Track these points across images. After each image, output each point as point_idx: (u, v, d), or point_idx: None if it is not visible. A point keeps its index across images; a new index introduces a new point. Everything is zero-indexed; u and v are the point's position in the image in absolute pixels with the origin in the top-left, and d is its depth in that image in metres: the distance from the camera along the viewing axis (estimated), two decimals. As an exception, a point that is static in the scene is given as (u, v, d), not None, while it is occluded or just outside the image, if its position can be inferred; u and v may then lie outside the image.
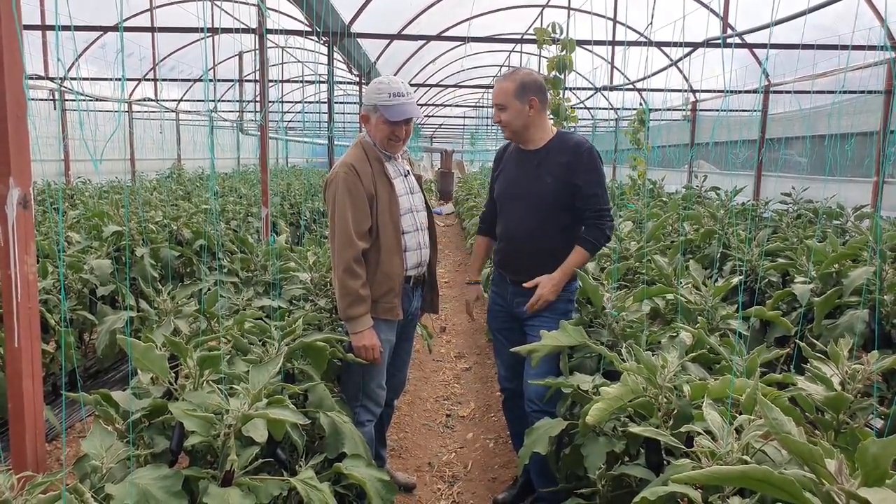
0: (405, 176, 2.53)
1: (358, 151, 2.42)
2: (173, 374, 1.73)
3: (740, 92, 9.12)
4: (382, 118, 2.36)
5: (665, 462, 1.62)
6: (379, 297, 2.37)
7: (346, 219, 2.29)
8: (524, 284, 2.45)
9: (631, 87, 9.98)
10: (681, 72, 9.91)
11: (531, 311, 2.44)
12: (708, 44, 5.72)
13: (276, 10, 7.50)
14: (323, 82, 7.41)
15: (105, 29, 7.28)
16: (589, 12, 5.83)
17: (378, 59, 9.10)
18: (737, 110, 9.83)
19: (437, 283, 2.72)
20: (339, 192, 2.31)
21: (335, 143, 6.37)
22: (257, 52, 4.93)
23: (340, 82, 10.41)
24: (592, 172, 2.43)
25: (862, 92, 7.14)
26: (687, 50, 7.74)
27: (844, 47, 5.69)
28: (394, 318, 2.43)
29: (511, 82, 2.43)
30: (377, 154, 2.43)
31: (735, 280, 2.60)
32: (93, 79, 10.17)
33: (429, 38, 8.19)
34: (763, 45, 7.21)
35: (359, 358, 2.33)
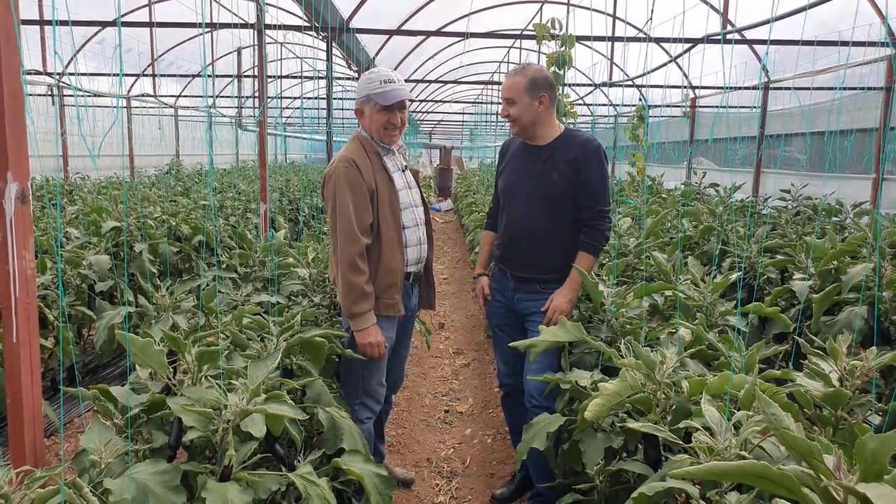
0: (402, 171, 2.52)
1: (356, 146, 2.40)
2: (172, 370, 1.73)
3: (740, 88, 9.11)
4: (377, 107, 2.34)
5: (663, 458, 1.63)
6: (381, 293, 2.35)
7: (349, 214, 2.26)
8: (542, 309, 2.45)
9: (630, 83, 9.97)
10: (680, 68, 9.90)
11: (549, 321, 2.43)
12: (707, 40, 5.72)
13: (274, 6, 7.47)
14: (322, 78, 7.39)
15: (103, 24, 7.26)
16: (588, 8, 5.82)
17: (377, 54, 9.09)
18: (736, 107, 9.83)
19: (434, 280, 2.71)
20: (339, 186, 2.28)
21: (334, 139, 6.37)
22: (256, 47, 4.92)
23: (339, 78, 10.39)
24: (598, 170, 2.43)
25: (862, 88, 7.14)
26: (686, 46, 7.73)
27: (844, 44, 5.69)
28: (395, 315, 2.41)
29: (522, 77, 2.42)
30: (375, 148, 2.41)
31: (734, 276, 2.60)
32: (91, 74, 10.15)
33: (428, 34, 8.18)
34: (763, 42, 7.20)
35: (363, 355, 2.32)
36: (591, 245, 2.44)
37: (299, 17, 8.14)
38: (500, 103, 2.54)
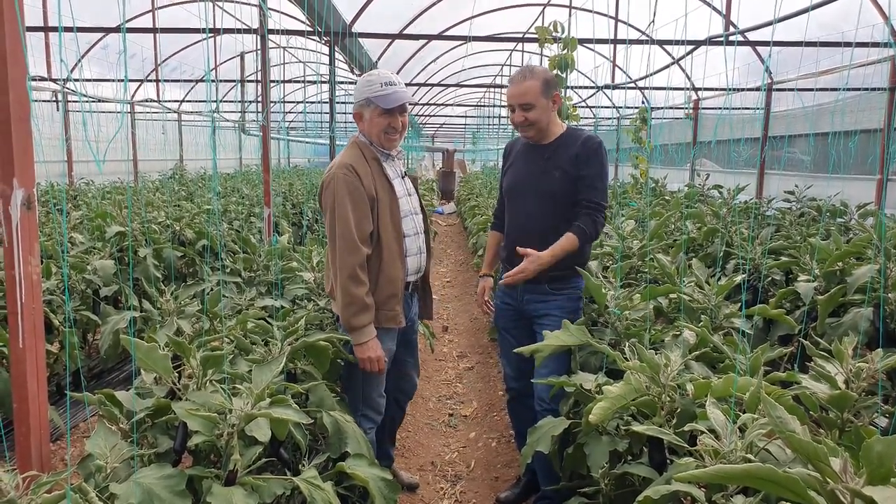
0: (402, 177, 2.47)
1: (355, 151, 2.33)
2: (176, 374, 1.74)
3: (743, 90, 9.10)
4: (378, 110, 2.28)
5: (668, 461, 1.62)
6: (381, 304, 2.30)
7: (349, 223, 2.19)
8: (517, 248, 2.42)
9: (633, 85, 9.97)
10: (683, 70, 9.89)
11: (507, 282, 2.43)
12: (710, 42, 5.71)
13: (277, 11, 7.50)
14: (324, 82, 7.41)
15: (107, 30, 7.29)
16: (590, 11, 5.82)
17: (379, 58, 9.11)
18: (739, 108, 9.81)
19: (431, 290, 2.67)
20: (338, 194, 2.21)
21: (337, 142, 6.38)
22: (259, 52, 4.93)
23: (342, 82, 10.41)
24: (597, 165, 2.43)
25: (865, 89, 7.12)
26: (689, 48, 7.73)
27: (847, 44, 5.68)
28: (396, 326, 2.36)
29: (535, 80, 2.39)
30: (374, 154, 2.35)
31: (738, 278, 2.59)
32: (95, 80, 10.21)
33: (430, 38, 8.20)
34: (765, 43, 7.19)
35: (363, 370, 2.29)
36: (580, 229, 2.40)
37: (302, 22, 8.18)
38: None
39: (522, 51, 10.62)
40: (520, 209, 2.55)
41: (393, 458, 2.86)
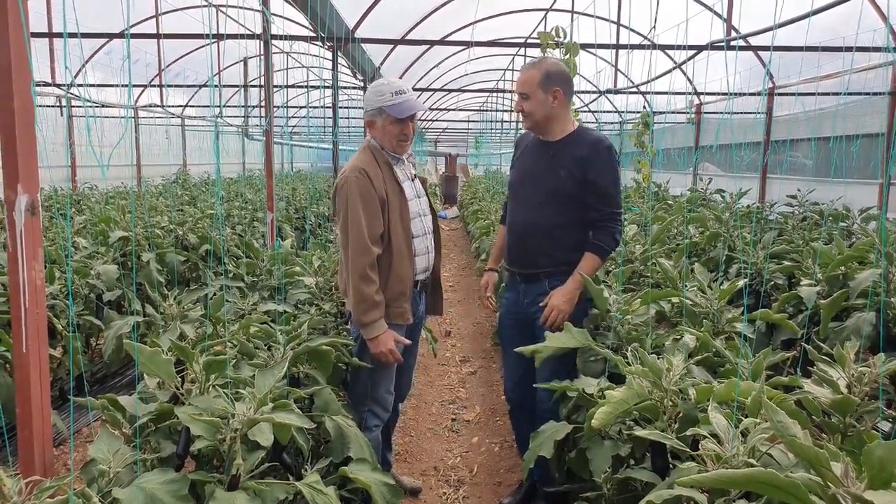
0: (412, 180, 2.55)
1: (367, 156, 2.42)
2: (179, 379, 1.74)
3: (744, 94, 9.10)
4: (390, 119, 2.35)
5: (671, 466, 1.62)
6: (391, 302, 2.37)
7: (360, 225, 2.28)
8: (541, 304, 2.44)
9: (635, 90, 9.97)
10: (685, 74, 9.90)
11: (546, 325, 2.40)
12: (712, 46, 5.72)
13: (280, 16, 7.53)
14: (327, 87, 7.44)
15: (111, 36, 7.33)
16: (592, 16, 5.84)
17: (382, 63, 9.14)
18: (741, 112, 9.81)
19: (441, 286, 2.72)
20: (351, 197, 2.30)
21: (340, 147, 6.40)
22: (262, 57, 4.95)
23: (345, 87, 10.45)
24: (608, 171, 2.40)
25: (867, 93, 7.12)
26: (691, 53, 7.73)
27: (849, 49, 5.68)
28: (404, 323, 2.43)
29: (537, 71, 2.39)
30: (385, 158, 2.43)
31: (740, 283, 2.59)
32: (99, 85, 10.25)
33: (432, 43, 8.21)
34: (767, 48, 7.20)
35: (378, 363, 2.34)
36: (598, 247, 2.42)
37: (305, 28, 8.21)
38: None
39: (525, 56, 10.64)
40: (523, 205, 2.54)
41: (391, 463, 2.86)
